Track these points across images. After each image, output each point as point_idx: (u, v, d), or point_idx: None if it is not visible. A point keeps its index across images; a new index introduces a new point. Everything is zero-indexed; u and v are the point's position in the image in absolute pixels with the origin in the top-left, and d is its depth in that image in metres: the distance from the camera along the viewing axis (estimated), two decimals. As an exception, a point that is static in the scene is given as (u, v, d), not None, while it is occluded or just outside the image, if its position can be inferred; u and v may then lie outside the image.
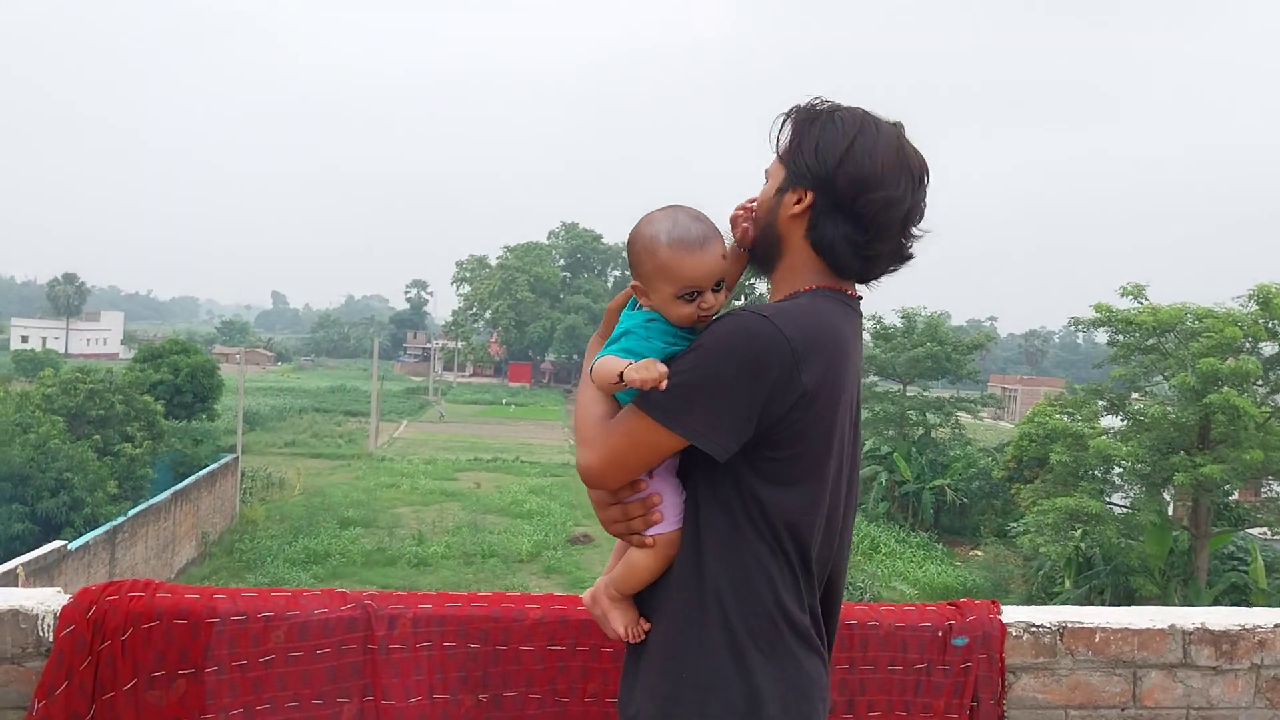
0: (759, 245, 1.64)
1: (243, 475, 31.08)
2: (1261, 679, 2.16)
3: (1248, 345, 23.22)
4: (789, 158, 1.59)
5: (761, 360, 1.45)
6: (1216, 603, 22.50)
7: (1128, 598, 23.32)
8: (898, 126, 1.60)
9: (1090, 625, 2.10)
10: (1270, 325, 23.04)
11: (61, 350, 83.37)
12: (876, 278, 1.64)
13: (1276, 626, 2.17)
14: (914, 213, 1.58)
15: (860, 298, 1.65)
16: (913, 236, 1.61)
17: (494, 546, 26.26)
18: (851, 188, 1.53)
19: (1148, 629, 2.12)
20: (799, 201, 1.57)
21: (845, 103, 1.62)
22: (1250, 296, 23.48)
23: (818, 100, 1.61)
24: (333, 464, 39.41)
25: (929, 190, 1.61)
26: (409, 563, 24.74)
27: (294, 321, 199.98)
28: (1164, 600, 22.09)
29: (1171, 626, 2.12)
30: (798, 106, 1.61)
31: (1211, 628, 2.14)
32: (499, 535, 27.41)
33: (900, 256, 1.62)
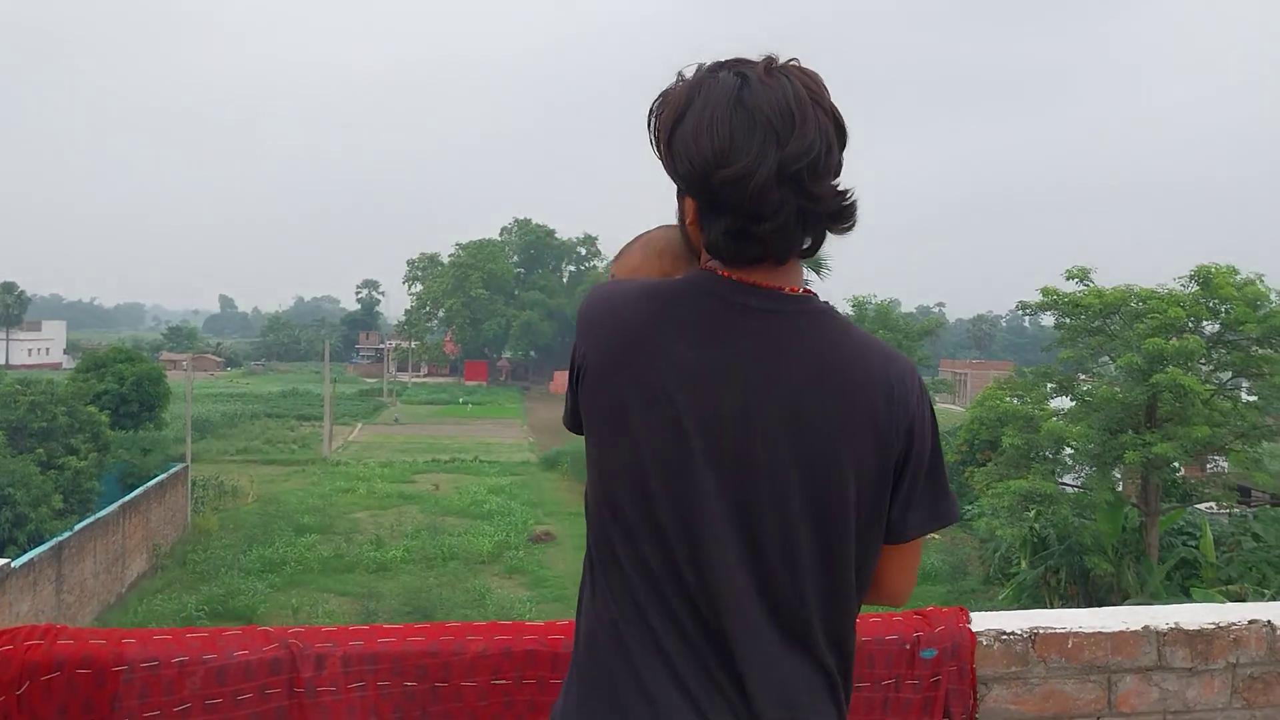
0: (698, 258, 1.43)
1: (194, 484, 30.50)
2: (1238, 678, 2.10)
3: (1190, 325, 23.70)
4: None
5: (576, 337, 1.37)
6: (1169, 577, 22.91)
7: (1083, 576, 23.73)
8: (758, 65, 1.27)
9: (1062, 631, 2.02)
10: (1211, 305, 23.54)
11: (1, 361, 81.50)
12: (794, 249, 1.29)
13: (1251, 623, 2.11)
14: (794, 166, 1.22)
15: (734, 279, 1.30)
16: (822, 188, 1.25)
17: (454, 549, 26.05)
18: (699, 178, 1.25)
19: (1121, 632, 2.04)
20: (694, 209, 1.32)
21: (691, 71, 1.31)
22: (1191, 277, 23.98)
23: (669, 86, 1.32)
24: (286, 470, 38.88)
25: (819, 128, 1.25)
26: (368, 568, 24.45)
27: (243, 325, 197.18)
28: (1118, 576, 22.44)
29: (1145, 628, 2.05)
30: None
31: (1186, 627, 2.07)
32: (459, 537, 27.19)
33: (820, 215, 1.27)
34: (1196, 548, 24.33)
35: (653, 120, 1.32)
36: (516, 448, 47.62)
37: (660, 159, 1.33)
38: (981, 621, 2.01)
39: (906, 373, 1.34)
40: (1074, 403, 24.63)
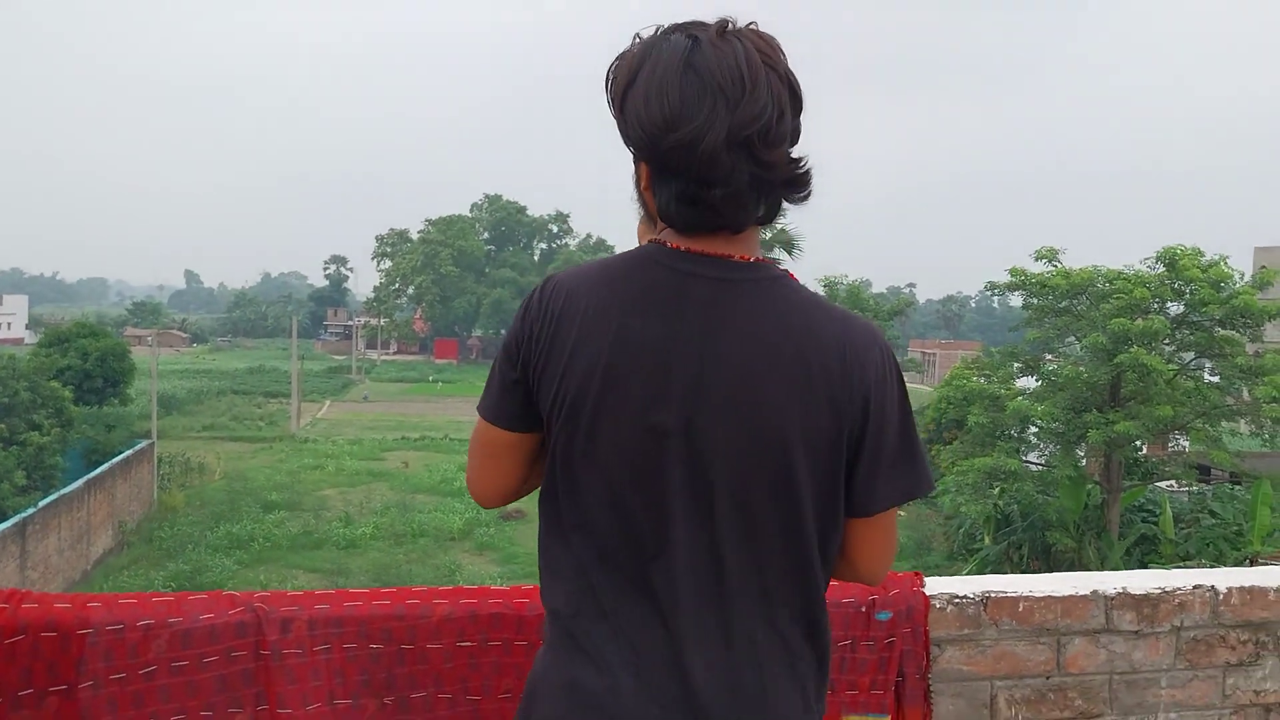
0: (654, 222, 1.38)
1: (160, 461, 30.25)
2: (1182, 641, 2.17)
3: (1155, 306, 24.01)
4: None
5: (519, 322, 1.33)
6: (1128, 553, 23.34)
7: (1045, 552, 24.10)
8: (710, 28, 1.25)
9: (1013, 594, 2.07)
10: (1176, 286, 23.83)
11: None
12: (749, 218, 1.28)
13: (1195, 588, 2.17)
14: (745, 131, 1.20)
15: (682, 250, 1.28)
16: (775, 155, 1.23)
17: (424, 525, 26.02)
18: (649, 142, 1.22)
19: (1070, 596, 2.10)
20: (647, 173, 1.30)
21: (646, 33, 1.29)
22: (1157, 258, 24.26)
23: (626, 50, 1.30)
24: (254, 447, 38.61)
25: (772, 92, 1.22)
26: (337, 545, 24.39)
27: (209, 301, 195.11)
28: (1079, 552, 22.83)
29: (1094, 592, 2.11)
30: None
31: (1133, 592, 2.13)
32: (429, 514, 27.16)
33: (773, 183, 1.25)
34: (1156, 524, 24.76)
35: (609, 83, 1.30)
36: (487, 426, 47.50)
37: (615, 122, 1.30)
38: (935, 586, 2.06)
39: (865, 338, 1.30)
40: (1039, 382, 24.94)
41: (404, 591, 1.75)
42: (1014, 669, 2.07)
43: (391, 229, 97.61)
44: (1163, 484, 26.84)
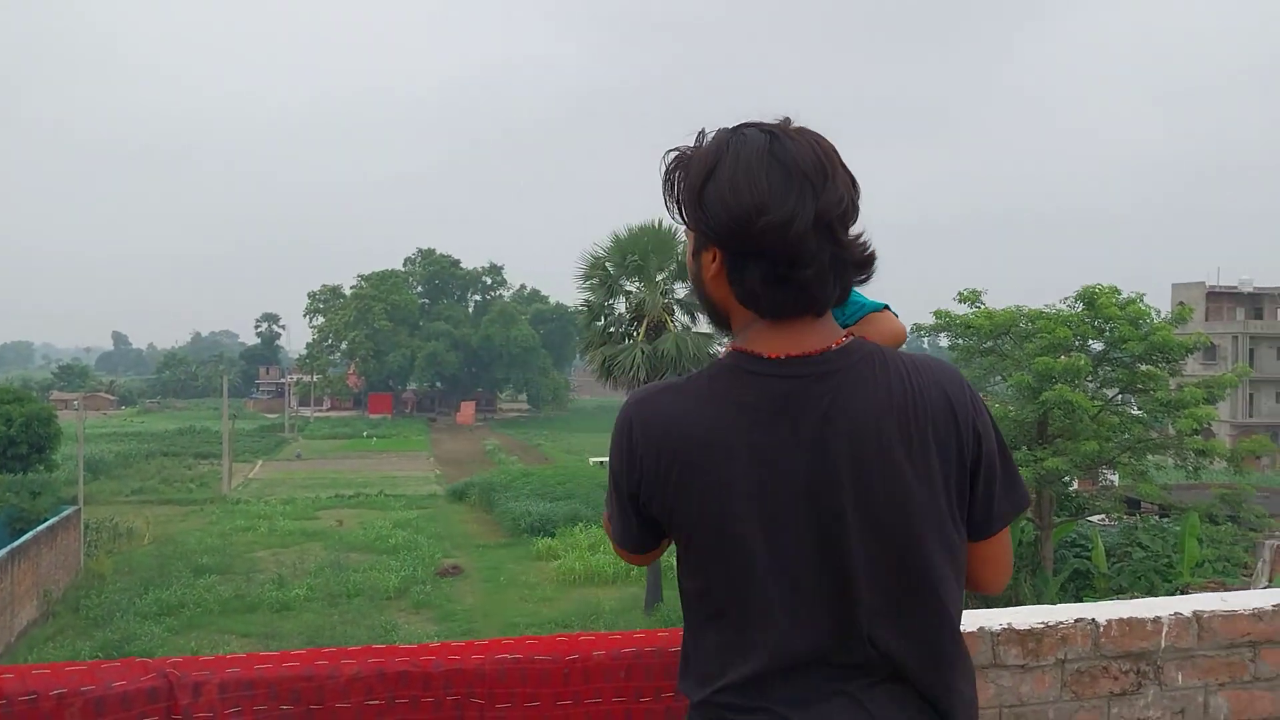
0: (709, 315, 1.48)
1: (87, 527, 29.38)
2: (1066, 673, 2.28)
3: (1077, 344, 24.64)
4: (681, 218, 1.41)
5: (624, 458, 1.41)
6: (1063, 588, 23.74)
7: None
8: (778, 125, 1.36)
9: (906, 634, 2.17)
10: (1097, 324, 24.49)
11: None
12: (831, 298, 1.37)
13: (1077, 621, 2.30)
14: (828, 215, 1.31)
15: (781, 358, 1.35)
16: (849, 237, 1.35)
17: (359, 585, 25.57)
18: (739, 226, 1.30)
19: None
20: (713, 260, 1.37)
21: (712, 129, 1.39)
22: (1077, 298, 24.94)
23: (682, 147, 1.40)
24: (184, 510, 37.78)
25: (845, 180, 1.35)
26: (270, 608, 23.85)
27: (138, 362, 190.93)
28: (1015, 589, 23.15)
29: (980, 629, 2.21)
30: (663, 162, 1.41)
31: (1018, 627, 2.25)
32: (364, 573, 26.70)
33: (848, 264, 1.36)
34: (1089, 559, 25.26)
35: (676, 178, 1.39)
36: (423, 480, 47.01)
37: (682, 216, 1.39)
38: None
39: (956, 380, 1.40)
40: (970, 421, 25.46)
41: (313, 653, 1.80)
42: (909, 705, 2.17)
43: (324, 285, 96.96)
44: (1094, 518, 27.41)
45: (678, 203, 1.39)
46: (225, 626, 22.39)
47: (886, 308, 1.44)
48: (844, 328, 1.43)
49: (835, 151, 1.36)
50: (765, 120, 1.37)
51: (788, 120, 1.37)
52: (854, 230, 1.36)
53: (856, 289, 1.44)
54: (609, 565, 27.06)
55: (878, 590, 1.32)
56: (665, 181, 1.40)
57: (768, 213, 1.28)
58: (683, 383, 1.40)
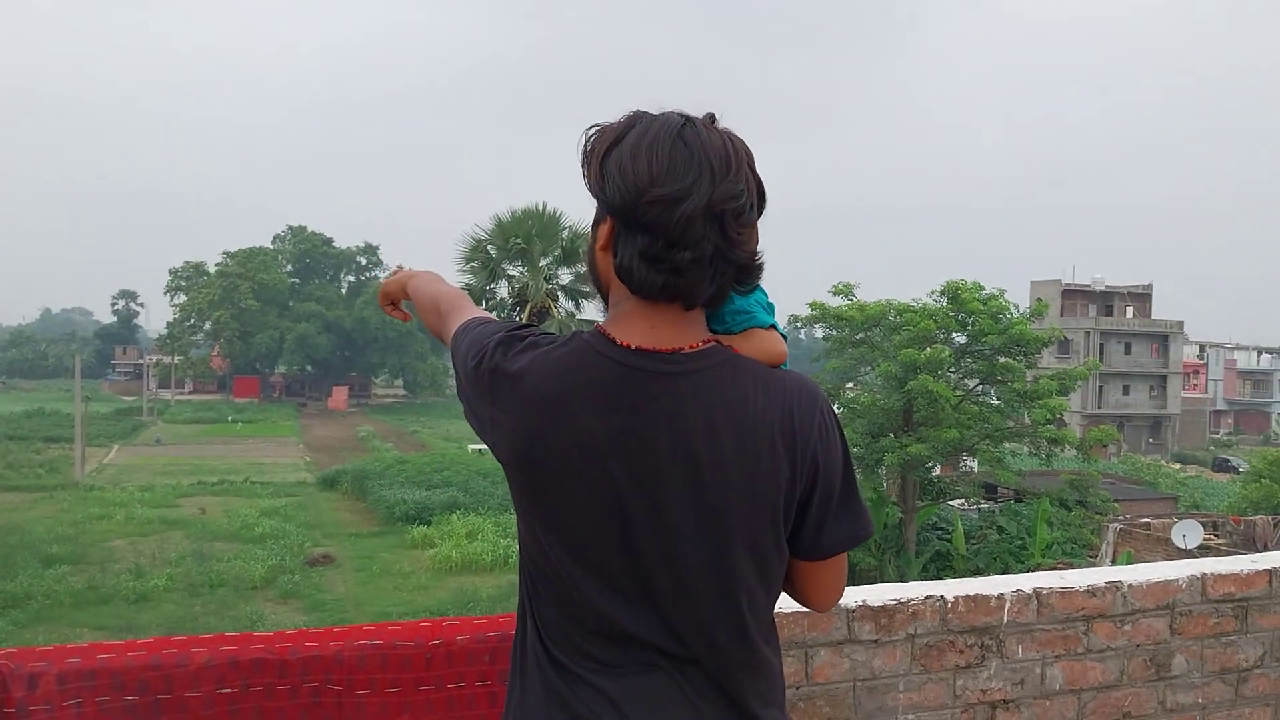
0: (595, 286, 1.47)
1: (-78, 516, 27.66)
2: (916, 647, 2.38)
3: (941, 336, 25.59)
4: (588, 187, 1.38)
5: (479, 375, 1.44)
6: (925, 569, 24.71)
7: (850, 570, 25.13)
8: (700, 117, 1.35)
9: (765, 613, 2.23)
10: (960, 317, 25.47)
11: None
12: (708, 296, 1.35)
13: (927, 598, 2.39)
14: (721, 206, 1.29)
15: (632, 348, 1.35)
16: (739, 236, 1.32)
17: (223, 575, 24.74)
18: (629, 195, 1.29)
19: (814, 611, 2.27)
20: (607, 231, 1.36)
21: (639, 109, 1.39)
22: (942, 292, 25.88)
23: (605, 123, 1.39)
24: (32, 496, 35.90)
25: (749, 182, 1.34)
26: (126, 599, 22.87)
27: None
28: (880, 570, 23.97)
29: (837, 606, 2.29)
30: (584, 133, 1.40)
31: (871, 604, 2.33)
32: (229, 562, 25.84)
33: (731, 263, 1.33)
34: (949, 541, 26.36)
35: (587, 141, 1.37)
36: (292, 467, 45.76)
37: (587, 179, 1.37)
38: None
39: (808, 403, 1.39)
40: (841, 410, 26.18)
41: (161, 641, 1.74)
42: (766, 682, 2.23)
43: (186, 262, 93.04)
44: (955, 502, 28.60)
45: (585, 168, 1.38)
46: (77, 620, 21.37)
47: (775, 327, 1.46)
48: (727, 335, 1.44)
49: (749, 155, 1.36)
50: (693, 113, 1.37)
51: (712, 116, 1.37)
52: (748, 235, 1.34)
53: (758, 302, 1.46)
54: (486, 553, 26.89)
55: (678, 585, 1.34)
56: (580, 144, 1.38)
57: (660, 185, 1.27)
58: (545, 346, 1.39)
